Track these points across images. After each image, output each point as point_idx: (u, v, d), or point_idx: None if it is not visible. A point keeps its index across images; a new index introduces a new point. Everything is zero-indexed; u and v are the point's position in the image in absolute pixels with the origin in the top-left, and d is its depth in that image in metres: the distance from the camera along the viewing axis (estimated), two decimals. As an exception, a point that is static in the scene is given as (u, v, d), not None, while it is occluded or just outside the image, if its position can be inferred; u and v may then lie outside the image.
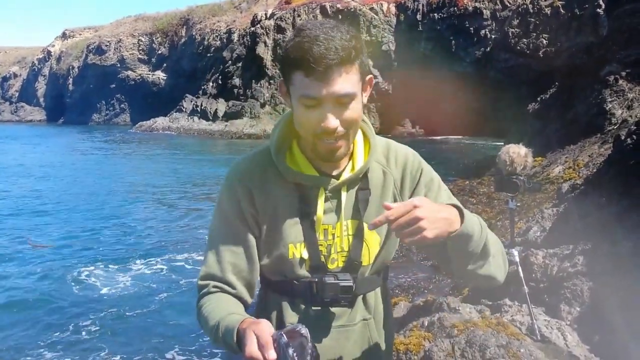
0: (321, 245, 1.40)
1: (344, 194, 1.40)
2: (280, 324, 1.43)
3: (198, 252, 9.68)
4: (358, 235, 1.41)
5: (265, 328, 1.11)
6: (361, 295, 1.45)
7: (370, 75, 1.36)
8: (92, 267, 9.20)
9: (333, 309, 1.42)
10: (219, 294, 1.41)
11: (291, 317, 1.42)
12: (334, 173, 1.41)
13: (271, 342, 1.07)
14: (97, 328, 6.70)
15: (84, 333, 6.58)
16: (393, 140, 1.54)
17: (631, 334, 3.10)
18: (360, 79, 1.30)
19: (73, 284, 8.40)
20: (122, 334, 6.54)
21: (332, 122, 1.26)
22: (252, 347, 1.08)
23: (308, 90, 1.25)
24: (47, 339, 6.40)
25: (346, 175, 1.40)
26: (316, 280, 1.39)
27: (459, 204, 1.36)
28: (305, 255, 1.39)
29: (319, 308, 1.41)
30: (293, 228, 1.39)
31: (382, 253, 1.46)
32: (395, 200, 1.45)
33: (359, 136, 1.45)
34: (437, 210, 1.20)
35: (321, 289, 1.38)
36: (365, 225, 1.41)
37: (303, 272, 1.40)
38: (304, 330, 1.09)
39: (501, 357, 3.06)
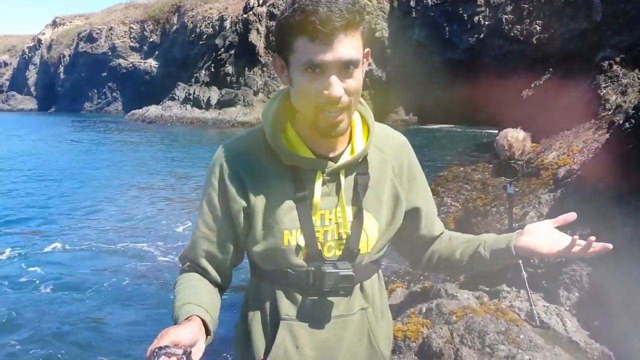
0: (318, 231, 1.33)
1: (342, 178, 1.34)
2: (275, 315, 1.38)
3: (175, 243, 9.75)
4: (357, 222, 1.35)
5: (175, 333, 1.09)
6: (359, 284, 1.40)
7: (368, 49, 1.29)
8: (70, 252, 9.30)
9: (330, 298, 1.36)
10: (192, 274, 1.42)
11: (287, 308, 1.37)
12: (331, 156, 1.34)
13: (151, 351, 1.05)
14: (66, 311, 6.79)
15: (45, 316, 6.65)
16: (387, 125, 1.50)
17: (631, 319, 3.08)
18: (363, 46, 1.24)
19: (49, 268, 8.48)
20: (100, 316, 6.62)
21: (338, 89, 1.19)
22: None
23: (313, 55, 1.17)
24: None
25: (345, 158, 1.34)
26: (313, 269, 1.33)
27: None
28: (302, 242, 1.32)
29: (316, 297, 1.36)
30: (288, 214, 1.32)
31: (380, 241, 1.41)
32: (394, 187, 1.41)
33: (357, 119, 1.39)
34: None
35: (319, 278, 1.32)
36: (364, 212, 1.35)
37: (298, 260, 1.33)
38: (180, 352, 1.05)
39: (500, 343, 3.04)
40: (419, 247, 1.57)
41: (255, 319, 1.43)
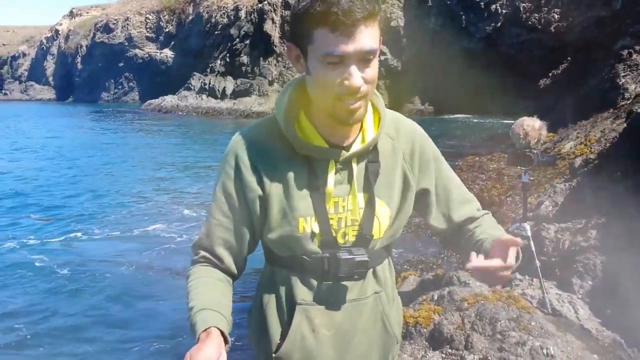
0: (332, 218, 1.36)
1: (354, 166, 1.37)
2: (291, 300, 1.41)
3: (189, 224, 9.89)
4: (369, 208, 1.38)
5: (204, 355, 1.14)
6: (372, 269, 1.43)
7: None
8: (88, 238, 9.46)
9: (344, 283, 1.39)
10: (204, 267, 1.43)
11: (302, 293, 1.40)
12: (343, 144, 1.37)
13: None
14: (94, 297, 6.87)
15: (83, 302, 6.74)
16: (400, 114, 1.53)
17: (644, 307, 3.07)
18: (380, 35, 1.25)
19: (71, 254, 8.60)
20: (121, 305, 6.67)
21: (358, 79, 1.21)
22: None
23: (334, 46, 1.18)
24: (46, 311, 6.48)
25: (356, 146, 1.36)
26: (328, 256, 1.36)
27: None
28: (316, 229, 1.35)
29: (330, 283, 1.39)
30: (302, 201, 1.35)
31: (392, 227, 1.44)
32: (405, 174, 1.44)
33: (369, 107, 1.41)
34: None
35: (335, 265, 1.34)
36: (376, 199, 1.38)
37: (313, 247, 1.36)
38: None
39: (512, 330, 3.04)
40: (441, 230, 1.58)
41: (270, 304, 1.45)
